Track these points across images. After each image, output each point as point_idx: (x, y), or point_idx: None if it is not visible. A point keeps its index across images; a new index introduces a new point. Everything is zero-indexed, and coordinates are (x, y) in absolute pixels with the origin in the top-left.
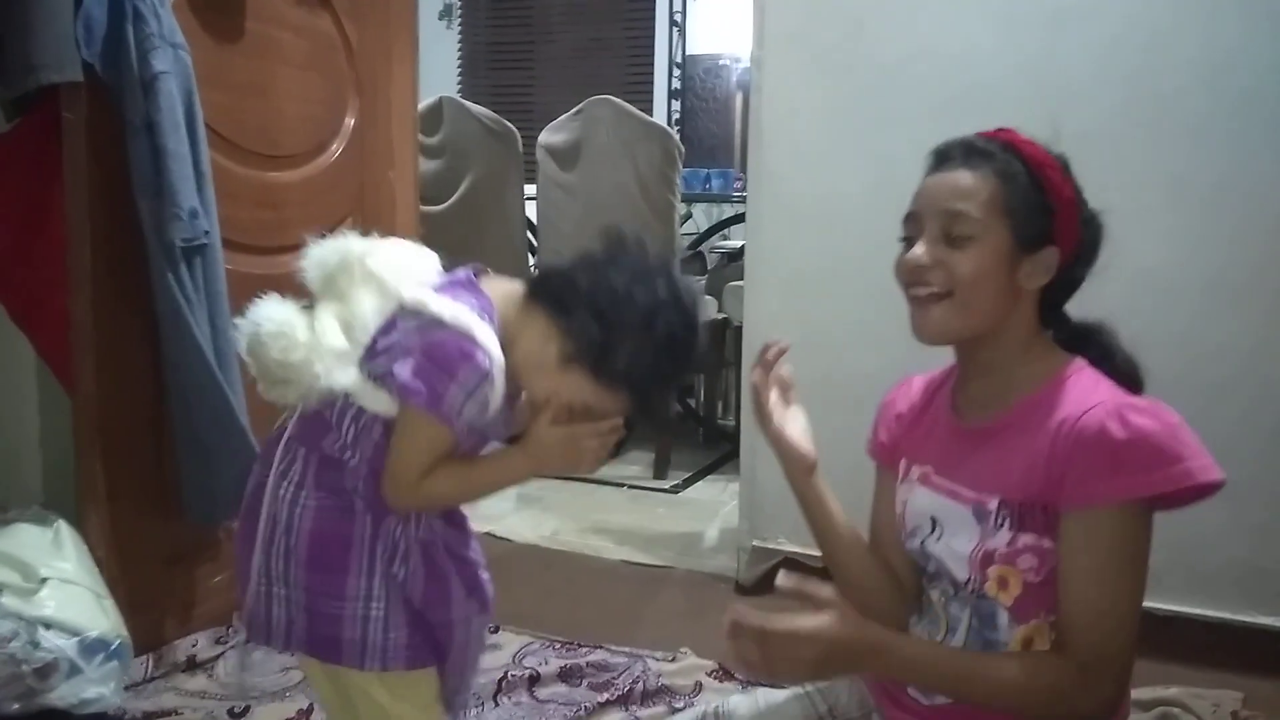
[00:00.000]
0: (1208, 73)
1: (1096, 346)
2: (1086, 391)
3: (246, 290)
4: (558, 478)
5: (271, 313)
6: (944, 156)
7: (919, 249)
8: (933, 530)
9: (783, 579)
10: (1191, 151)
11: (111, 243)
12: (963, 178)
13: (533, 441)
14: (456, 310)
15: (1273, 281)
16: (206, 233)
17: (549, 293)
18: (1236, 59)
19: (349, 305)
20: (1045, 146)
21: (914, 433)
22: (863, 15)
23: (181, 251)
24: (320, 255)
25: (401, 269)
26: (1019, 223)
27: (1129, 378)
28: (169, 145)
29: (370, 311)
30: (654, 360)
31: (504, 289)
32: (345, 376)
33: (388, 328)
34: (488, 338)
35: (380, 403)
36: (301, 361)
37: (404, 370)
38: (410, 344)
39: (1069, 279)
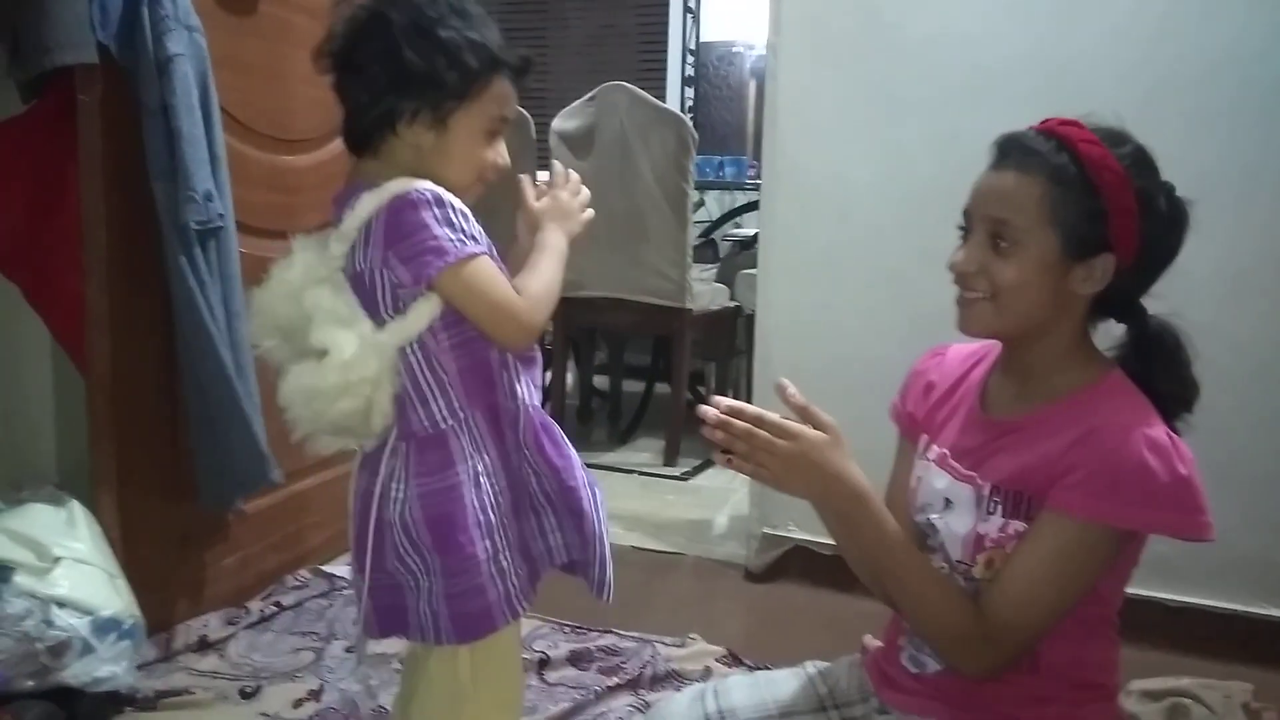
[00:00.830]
0: (1237, 61)
1: (1148, 360)
2: (1116, 410)
3: (258, 274)
4: None
5: (299, 384)
6: (1001, 152)
7: (965, 253)
8: (945, 508)
9: (790, 390)
10: (1220, 140)
11: (126, 225)
12: (1011, 181)
13: (541, 218)
14: (362, 206)
15: None
16: (221, 216)
17: (366, 123)
18: (1267, 46)
19: (319, 315)
20: (1118, 136)
21: (940, 411)
22: (879, 1)
23: (196, 234)
24: (260, 329)
25: (301, 264)
26: (1068, 230)
27: (1175, 401)
28: (183, 128)
29: (329, 299)
30: (464, 39)
31: (363, 170)
32: (386, 335)
33: (356, 278)
34: (398, 184)
35: (421, 315)
36: (360, 375)
37: (399, 271)
38: (375, 258)
39: (1138, 278)
